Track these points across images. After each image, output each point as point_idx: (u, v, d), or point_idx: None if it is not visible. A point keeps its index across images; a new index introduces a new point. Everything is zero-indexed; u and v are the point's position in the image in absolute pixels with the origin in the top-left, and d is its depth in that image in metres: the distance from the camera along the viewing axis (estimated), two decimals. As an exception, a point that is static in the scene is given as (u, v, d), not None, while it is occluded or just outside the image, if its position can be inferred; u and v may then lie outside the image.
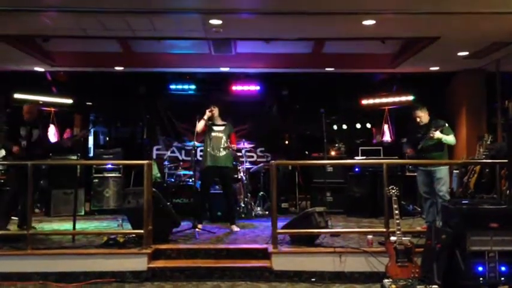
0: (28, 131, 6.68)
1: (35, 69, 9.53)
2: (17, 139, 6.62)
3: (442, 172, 6.46)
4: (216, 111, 7.16)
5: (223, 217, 7.70)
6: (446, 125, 6.57)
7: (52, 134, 10.08)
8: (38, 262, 5.41)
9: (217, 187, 7.91)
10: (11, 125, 7.09)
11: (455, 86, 10.04)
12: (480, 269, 4.40)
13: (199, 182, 7.50)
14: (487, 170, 7.76)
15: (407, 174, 8.96)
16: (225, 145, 7.02)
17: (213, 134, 7.09)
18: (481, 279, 4.38)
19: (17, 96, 9.52)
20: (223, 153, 7.03)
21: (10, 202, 6.59)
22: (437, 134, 6.36)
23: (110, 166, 8.99)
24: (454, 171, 8.42)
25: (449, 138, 6.48)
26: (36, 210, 8.88)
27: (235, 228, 7.05)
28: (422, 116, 6.71)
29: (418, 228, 6.65)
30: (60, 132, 10.57)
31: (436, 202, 6.45)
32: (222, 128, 7.16)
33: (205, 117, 7.07)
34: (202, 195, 7.25)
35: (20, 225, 6.64)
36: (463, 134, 9.55)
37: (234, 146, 7.21)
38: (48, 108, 10.29)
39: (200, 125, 7.06)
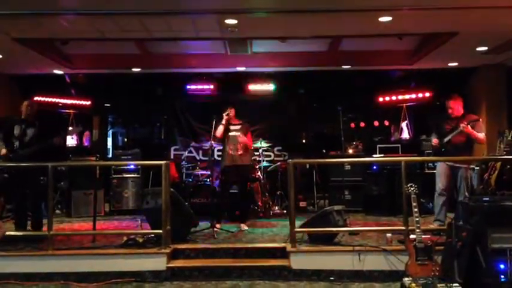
0: (21, 131, 6.32)
1: (54, 71, 9.67)
2: (10, 139, 6.30)
3: (468, 171, 6.18)
4: (232, 112, 7.18)
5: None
6: (480, 120, 6.27)
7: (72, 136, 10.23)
8: (59, 262, 5.48)
9: (234, 186, 7.92)
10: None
11: (474, 82, 9.92)
12: (502, 266, 4.33)
13: (219, 181, 7.49)
14: (508, 167, 7.64)
15: (427, 171, 8.86)
16: (238, 140, 7.04)
17: (230, 133, 7.12)
18: (502, 276, 4.31)
19: (37, 98, 9.66)
20: (240, 152, 7.06)
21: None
22: (469, 128, 6.01)
23: (132, 167, 9.04)
24: (475, 168, 8.31)
25: (480, 136, 6.13)
26: (57, 211, 9.00)
27: (243, 226, 7.07)
28: (455, 108, 6.32)
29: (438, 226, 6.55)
30: (80, 133, 10.70)
31: (448, 200, 6.24)
32: (238, 127, 7.19)
33: (224, 121, 7.09)
34: (223, 194, 7.26)
35: (16, 227, 6.42)
36: (485, 134, 9.41)
37: (247, 144, 7.19)
38: (68, 110, 10.43)
39: (219, 130, 7.09)
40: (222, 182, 7.30)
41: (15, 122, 6.42)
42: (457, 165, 6.19)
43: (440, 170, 6.34)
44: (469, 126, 6.03)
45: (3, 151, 6.24)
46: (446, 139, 6.24)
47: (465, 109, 6.47)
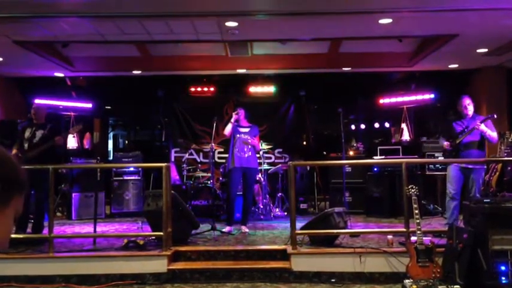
0: (31, 133, 6.50)
1: (55, 74, 9.68)
2: (22, 142, 6.46)
3: (481, 173, 6.06)
4: (242, 113, 7.20)
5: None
6: (495, 116, 6.15)
7: (72, 138, 10.23)
8: (60, 265, 5.48)
9: (239, 187, 7.89)
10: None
11: (475, 84, 9.91)
12: (503, 268, 4.34)
13: (228, 183, 7.38)
14: (509, 168, 7.64)
15: (427, 173, 8.87)
16: (248, 141, 7.03)
17: (238, 135, 7.12)
18: (503, 278, 4.32)
19: (37, 101, 9.66)
20: (248, 154, 7.06)
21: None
22: (482, 126, 5.89)
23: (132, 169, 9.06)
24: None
25: (494, 134, 6.01)
26: (58, 214, 9.01)
27: (244, 228, 7.07)
28: (472, 107, 6.20)
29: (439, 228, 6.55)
30: (80, 136, 10.71)
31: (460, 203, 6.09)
32: (247, 129, 7.19)
33: (232, 120, 7.12)
34: (231, 197, 7.15)
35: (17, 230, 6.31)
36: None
37: (255, 146, 7.21)
38: (68, 113, 10.44)
39: (228, 128, 7.12)
40: (230, 184, 7.19)
41: (27, 126, 6.62)
42: (470, 166, 6.06)
43: (452, 174, 6.18)
44: (483, 124, 5.93)
45: (13, 152, 6.35)
46: (458, 140, 6.12)
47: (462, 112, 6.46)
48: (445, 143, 6.25)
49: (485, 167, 6.36)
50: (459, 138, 6.12)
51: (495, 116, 6.21)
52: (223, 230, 6.87)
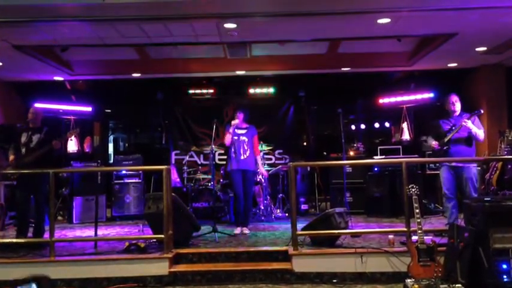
0: (28, 137, 6.43)
1: (55, 78, 9.69)
2: (19, 146, 6.42)
3: (472, 171, 6.04)
4: (240, 117, 7.15)
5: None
6: (482, 111, 6.15)
7: (72, 141, 10.24)
8: (61, 269, 5.46)
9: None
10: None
11: (475, 82, 9.91)
12: (504, 266, 4.33)
13: (232, 185, 7.33)
14: (510, 166, 7.63)
15: (428, 172, 8.87)
16: (246, 148, 7.02)
17: (236, 137, 7.08)
18: (505, 276, 4.31)
19: (37, 105, 9.67)
20: (245, 156, 7.05)
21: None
22: (469, 123, 5.89)
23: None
24: (476, 168, 8.28)
25: (479, 132, 6.00)
26: (59, 218, 9.01)
27: (245, 230, 7.05)
28: (459, 104, 6.19)
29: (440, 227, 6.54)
30: (80, 140, 10.72)
31: (458, 202, 6.07)
32: (244, 131, 7.16)
33: (231, 129, 7.03)
34: (239, 197, 7.08)
35: (18, 234, 6.42)
36: (484, 130, 9.40)
37: (257, 152, 7.20)
38: (68, 117, 10.44)
39: (227, 139, 7.05)
40: (234, 186, 7.18)
41: (23, 130, 6.58)
42: (460, 165, 6.05)
43: (443, 175, 6.19)
44: (469, 121, 5.93)
45: (11, 158, 6.37)
46: (446, 139, 6.10)
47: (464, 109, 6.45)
48: (433, 143, 6.22)
49: (476, 165, 6.31)
50: (447, 137, 6.09)
51: (482, 112, 6.21)
52: (235, 232, 6.88)
